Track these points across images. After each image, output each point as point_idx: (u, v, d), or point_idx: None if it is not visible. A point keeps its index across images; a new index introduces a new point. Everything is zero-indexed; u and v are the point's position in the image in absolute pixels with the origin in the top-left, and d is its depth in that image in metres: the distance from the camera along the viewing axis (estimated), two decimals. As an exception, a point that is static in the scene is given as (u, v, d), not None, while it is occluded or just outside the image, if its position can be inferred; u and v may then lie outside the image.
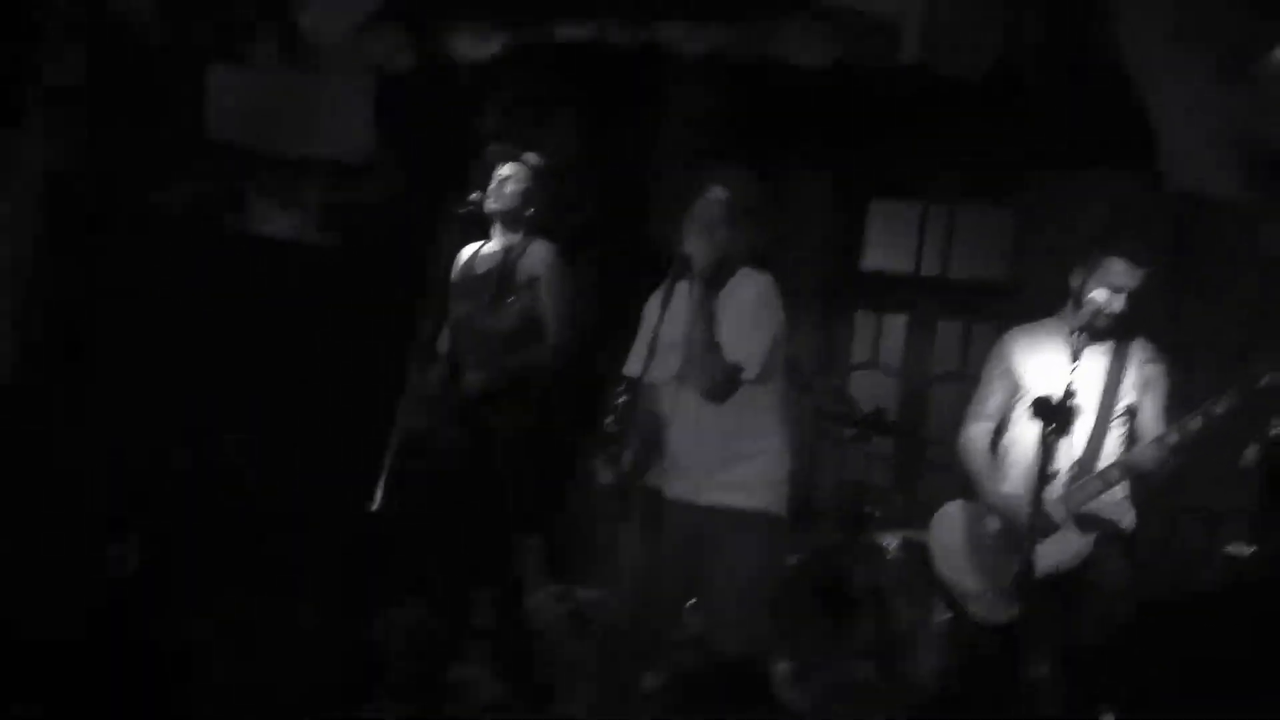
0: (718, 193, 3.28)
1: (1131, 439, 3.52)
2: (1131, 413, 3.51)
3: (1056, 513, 3.35)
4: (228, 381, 4.61)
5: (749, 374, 3.21)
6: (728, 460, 3.26)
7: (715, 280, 3.26)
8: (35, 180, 4.03)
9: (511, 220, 4.19)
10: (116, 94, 4.21)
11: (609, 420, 3.39)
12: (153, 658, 3.58)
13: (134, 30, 3.99)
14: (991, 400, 3.68)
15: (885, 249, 6.61)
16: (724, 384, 3.20)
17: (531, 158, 4.19)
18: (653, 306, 3.31)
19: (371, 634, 4.36)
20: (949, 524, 3.70)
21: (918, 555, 4.35)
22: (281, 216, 5.11)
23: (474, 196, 4.17)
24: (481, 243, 4.33)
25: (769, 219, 3.35)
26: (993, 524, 3.55)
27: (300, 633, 4.23)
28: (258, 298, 4.74)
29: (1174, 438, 3.23)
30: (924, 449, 5.55)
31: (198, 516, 4.29)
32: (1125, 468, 3.33)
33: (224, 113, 4.85)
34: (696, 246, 3.18)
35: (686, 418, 3.30)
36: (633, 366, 3.41)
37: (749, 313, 3.23)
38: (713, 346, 3.16)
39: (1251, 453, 4.31)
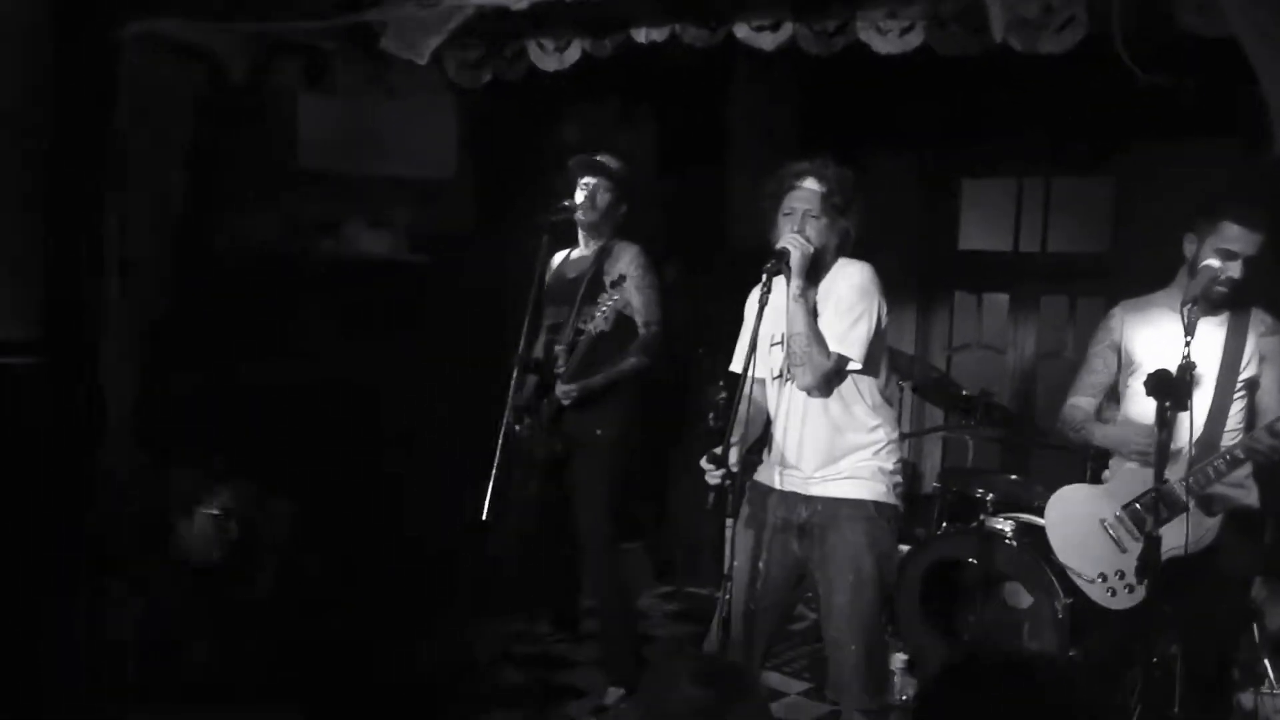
0: (808, 186, 3.26)
1: (1252, 413, 3.39)
2: (1252, 386, 3.38)
3: (1182, 494, 3.25)
4: (340, 401, 4.71)
5: (854, 364, 3.20)
6: (836, 452, 3.26)
7: (813, 273, 3.25)
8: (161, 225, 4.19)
9: (598, 226, 4.25)
10: (211, 129, 4.33)
11: (711, 417, 3.40)
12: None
13: (225, 67, 4.10)
14: (1095, 375, 3.58)
15: (982, 228, 6.51)
16: (829, 376, 3.20)
17: (613, 163, 4.23)
18: (751, 303, 3.31)
19: (481, 642, 4.43)
20: (1066, 508, 3.61)
21: (1034, 539, 4.27)
22: (374, 237, 5.21)
23: (565, 204, 4.22)
24: (570, 250, 4.38)
25: (861, 209, 3.30)
26: (1110, 509, 3.45)
27: (415, 640, 4.33)
28: (357, 317, 4.84)
29: None
30: (1034, 429, 5.44)
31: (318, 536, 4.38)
32: (1253, 447, 3.21)
33: (314, 141, 4.96)
34: (792, 240, 3.18)
35: (792, 412, 3.29)
36: (736, 363, 3.42)
37: (849, 303, 3.21)
38: (816, 339, 3.15)
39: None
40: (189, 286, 4.30)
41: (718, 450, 3.12)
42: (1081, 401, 3.57)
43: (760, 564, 3.33)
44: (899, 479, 3.32)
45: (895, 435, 3.34)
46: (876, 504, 3.25)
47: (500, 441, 3.93)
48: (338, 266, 5.11)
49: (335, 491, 4.35)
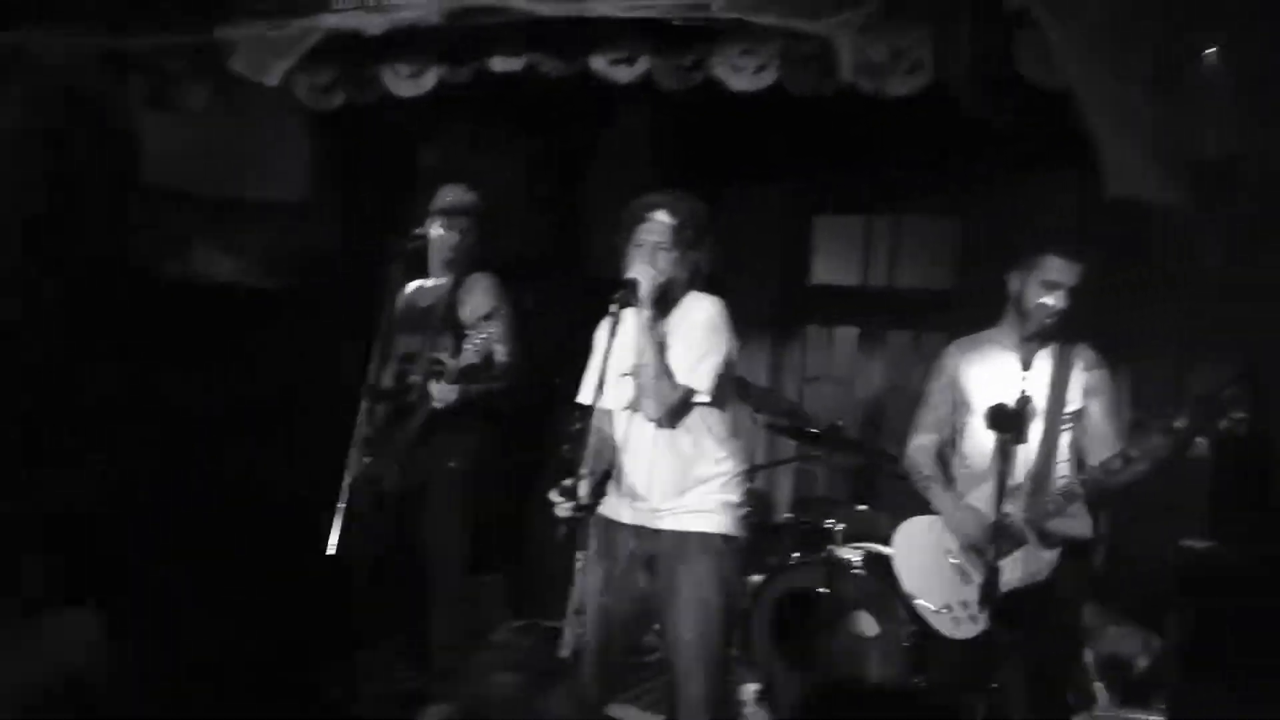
0: (661, 217, 3.27)
1: (1080, 444, 3.52)
2: (1078, 418, 3.52)
3: (1023, 529, 3.35)
4: (178, 428, 4.53)
5: (701, 397, 3.21)
6: (684, 485, 3.26)
7: (662, 305, 3.26)
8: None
9: (452, 255, 4.20)
10: (53, 143, 4.15)
11: (565, 448, 3.37)
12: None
13: (70, 80, 3.93)
14: (935, 412, 3.68)
15: (833, 263, 6.66)
16: (676, 408, 3.20)
17: (468, 196, 4.19)
18: (601, 334, 3.29)
19: (330, 680, 4.29)
20: (912, 540, 3.70)
21: (882, 568, 4.35)
22: (224, 261, 5.05)
23: (418, 232, 4.17)
24: (423, 277, 4.32)
25: (713, 242, 3.33)
26: (956, 540, 3.54)
27: (261, 681, 4.17)
28: (203, 343, 4.68)
29: (1137, 451, 3.25)
30: (882, 460, 5.56)
31: (150, 568, 4.20)
32: (1092, 484, 3.34)
33: (160, 160, 4.79)
34: (642, 271, 3.18)
35: (641, 444, 3.28)
36: (585, 394, 3.39)
37: (699, 336, 3.22)
38: (663, 371, 3.16)
39: (1203, 447, 4.36)
40: (32, 298, 4.09)
41: (568, 482, 3.10)
42: (924, 440, 3.67)
43: (605, 598, 3.31)
44: (745, 511, 3.35)
45: (742, 468, 3.36)
46: (724, 537, 3.26)
47: (348, 473, 3.83)
48: (185, 288, 4.93)
49: (177, 522, 4.19)
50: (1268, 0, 2.76)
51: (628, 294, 3.16)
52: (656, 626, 3.48)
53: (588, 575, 3.31)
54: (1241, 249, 2.88)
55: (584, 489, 3.18)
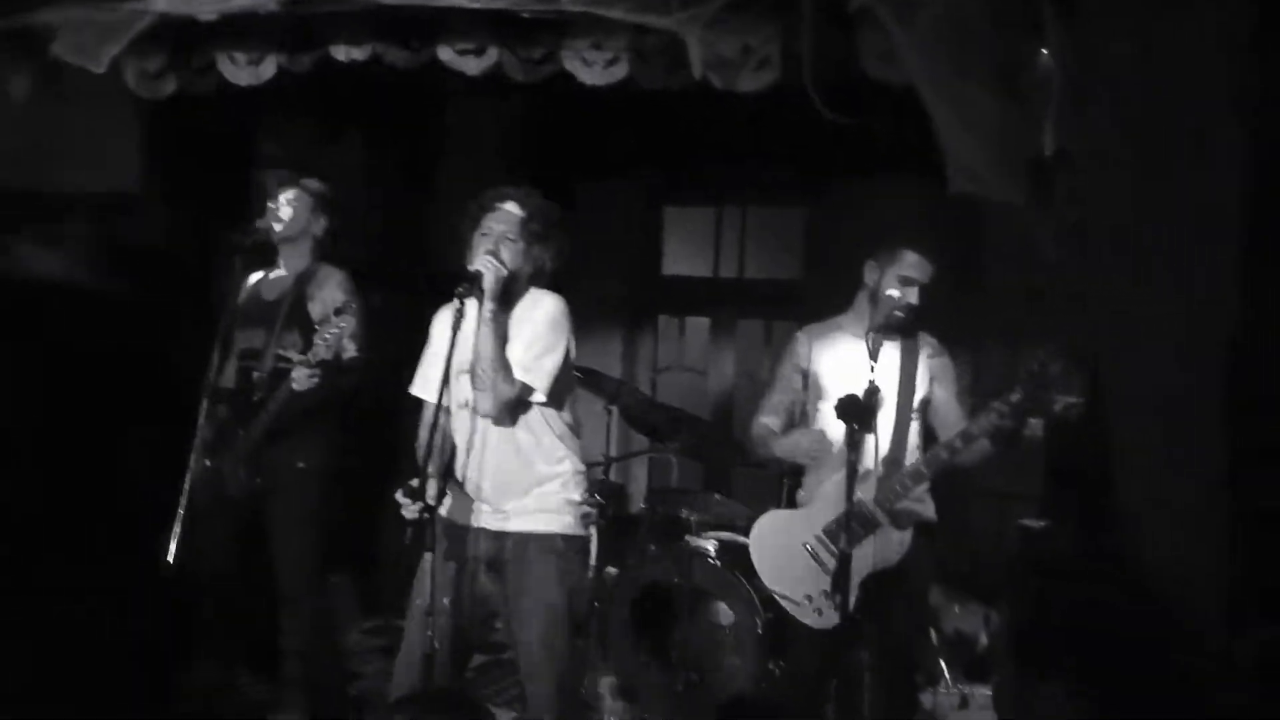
0: (508, 209, 3.23)
1: (928, 429, 3.64)
2: (925, 405, 3.63)
3: (875, 512, 3.43)
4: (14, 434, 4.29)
5: (538, 395, 3.17)
6: (524, 484, 3.23)
7: (505, 300, 3.21)
8: None
9: (296, 245, 4.07)
10: None
11: (416, 445, 3.30)
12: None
13: None
14: (782, 396, 3.74)
15: (684, 254, 6.72)
16: (512, 405, 3.15)
17: (312, 183, 4.06)
18: (442, 327, 3.22)
19: (177, 692, 4.14)
20: (769, 535, 3.74)
21: (736, 557, 4.41)
22: (47, 257, 4.79)
23: (258, 223, 4.02)
24: (266, 270, 4.17)
25: (559, 237, 3.29)
26: (810, 531, 3.59)
27: (101, 692, 3.99)
28: (24, 344, 4.43)
29: (977, 429, 3.35)
30: (734, 448, 5.63)
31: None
32: (936, 462, 3.44)
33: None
34: (484, 263, 3.12)
35: (482, 444, 3.24)
36: (421, 388, 3.34)
37: (540, 334, 3.18)
38: (502, 366, 3.10)
39: (1037, 427, 4.54)
40: None
41: (414, 483, 3.03)
42: (769, 420, 3.73)
43: (446, 600, 3.24)
44: (587, 509, 3.35)
45: (582, 466, 3.34)
46: (564, 536, 3.24)
47: (188, 478, 3.68)
48: (5, 285, 4.66)
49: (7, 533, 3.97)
50: (1089, 6, 2.88)
51: (471, 286, 3.08)
52: (499, 625, 3.44)
53: (435, 576, 3.23)
54: (1072, 245, 3.01)
55: (431, 489, 3.12)
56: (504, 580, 3.22)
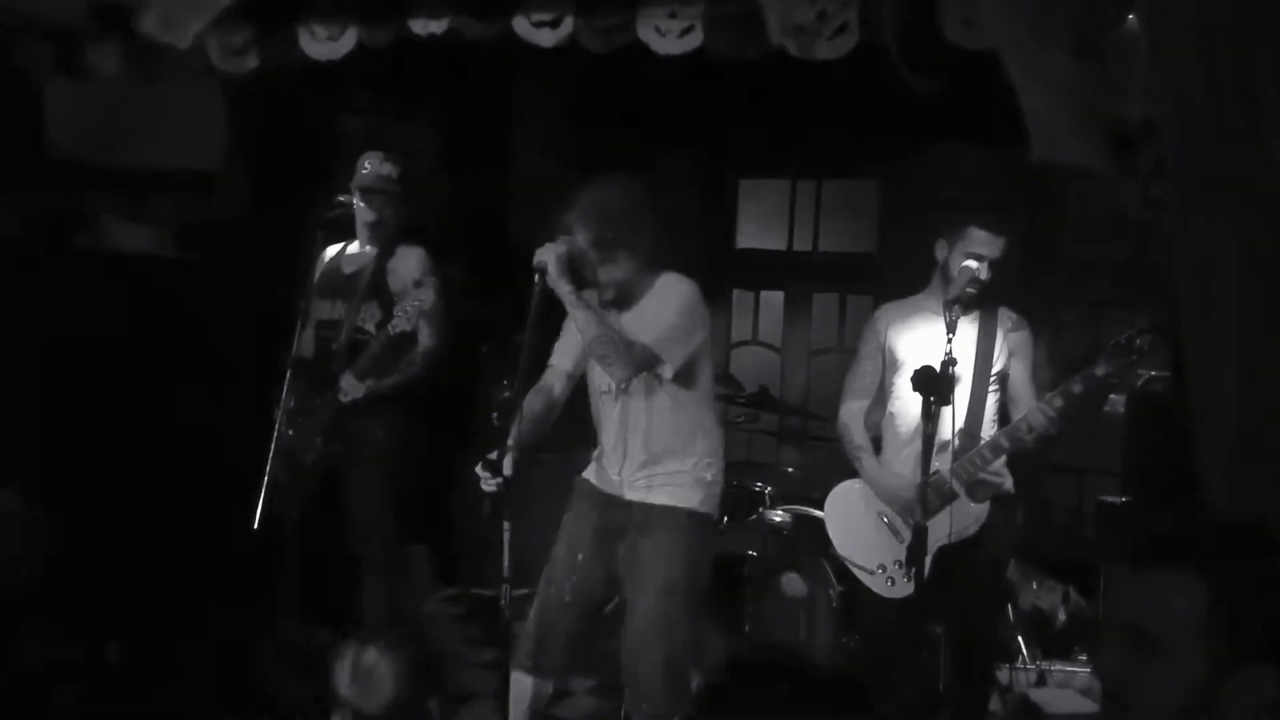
0: (601, 194, 3.21)
1: (1005, 404, 3.61)
2: (1003, 378, 3.60)
3: (952, 483, 3.42)
4: (95, 404, 4.41)
5: (665, 370, 3.18)
6: (657, 460, 3.26)
7: (633, 288, 3.24)
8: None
9: (377, 223, 4.12)
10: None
11: (495, 416, 3.33)
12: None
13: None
14: (864, 378, 3.72)
15: (758, 227, 6.69)
16: (639, 364, 3.15)
17: (392, 158, 4.10)
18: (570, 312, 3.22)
19: (260, 653, 4.24)
20: (844, 503, 3.75)
21: (810, 530, 4.40)
22: (136, 232, 4.91)
23: (340, 199, 4.08)
24: (346, 244, 4.23)
25: (656, 220, 3.27)
26: (885, 493, 3.60)
27: (193, 653, 4.12)
28: (117, 316, 4.55)
29: (1060, 402, 3.31)
30: (809, 423, 5.62)
31: (76, 545, 4.10)
32: (1016, 435, 3.40)
33: (66, 128, 4.63)
34: (542, 251, 3.12)
35: (619, 418, 3.29)
36: (561, 359, 3.40)
37: (669, 317, 3.19)
38: (613, 338, 3.11)
39: (1118, 402, 4.47)
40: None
41: (492, 455, 3.06)
42: (854, 404, 3.71)
43: (578, 559, 3.31)
44: (717, 490, 3.34)
45: (716, 447, 3.34)
46: (689, 512, 3.25)
47: (273, 447, 3.76)
48: (94, 262, 4.78)
49: (100, 502, 4.09)
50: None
51: (541, 277, 3.09)
52: (615, 601, 3.46)
53: (560, 536, 3.35)
54: (1156, 215, 2.93)
55: (508, 463, 3.14)
56: (627, 549, 3.27)
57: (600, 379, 3.33)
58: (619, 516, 3.31)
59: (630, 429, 3.28)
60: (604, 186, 3.24)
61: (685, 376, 3.25)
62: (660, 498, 3.26)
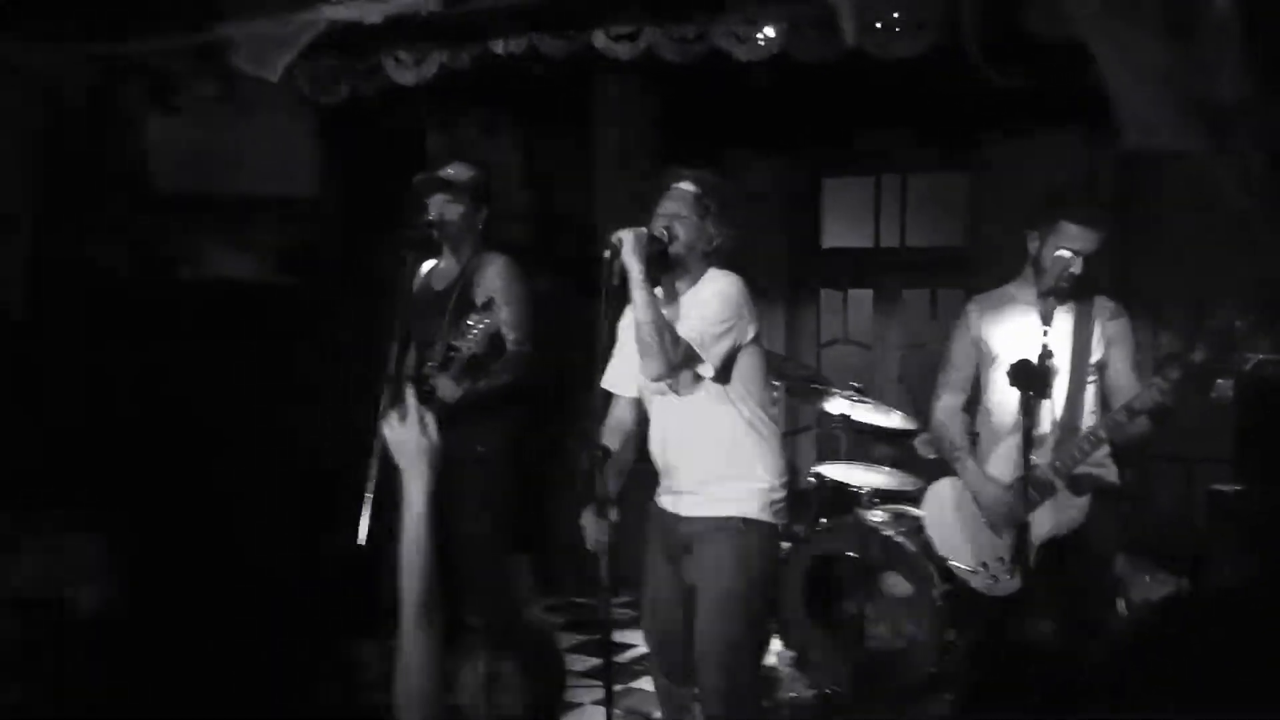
0: (683, 188, 3.23)
1: (1104, 394, 3.53)
2: (1101, 368, 3.52)
3: (1051, 477, 3.36)
4: (204, 426, 4.55)
5: (706, 369, 3.15)
6: (711, 470, 3.22)
7: (681, 278, 3.23)
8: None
9: (457, 239, 4.14)
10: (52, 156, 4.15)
11: (585, 459, 3.31)
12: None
13: (60, 90, 3.93)
14: (958, 371, 3.67)
15: (843, 225, 6.65)
16: (679, 366, 3.12)
17: (461, 174, 4.07)
18: (628, 316, 3.25)
19: (365, 664, 4.32)
20: (943, 500, 3.70)
21: (910, 529, 4.36)
22: (238, 259, 5.05)
23: (426, 218, 4.12)
24: (437, 261, 4.29)
25: (734, 216, 3.26)
26: (987, 498, 3.55)
27: (299, 669, 4.20)
28: (224, 340, 4.69)
29: (1155, 391, 3.23)
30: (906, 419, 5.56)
31: (180, 564, 4.22)
32: (1115, 425, 3.33)
33: (165, 159, 4.79)
34: (624, 231, 3.10)
35: (670, 430, 3.27)
36: (610, 382, 3.41)
37: (714, 311, 3.15)
38: (665, 327, 3.07)
39: (1225, 388, 4.35)
40: (38, 315, 4.10)
41: (587, 463, 3.08)
42: (949, 401, 3.66)
43: (659, 587, 3.33)
44: (778, 495, 3.26)
45: (774, 451, 3.28)
46: (746, 520, 3.19)
47: (374, 463, 3.83)
48: (198, 290, 4.94)
49: (208, 520, 4.20)
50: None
51: (613, 255, 3.07)
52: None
53: (644, 569, 3.36)
54: (1256, 194, 2.85)
55: (601, 470, 3.13)
56: (691, 565, 3.25)
57: (652, 385, 3.27)
58: (681, 533, 3.28)
59: (679, 432, 3.24)
60: (690, 178, 3.24)
61: (729, 374, 3.19)
62: (715, 509, 3.21)
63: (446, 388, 3.94)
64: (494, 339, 4.02)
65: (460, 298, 4.11)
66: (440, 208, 4.08)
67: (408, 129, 5.12)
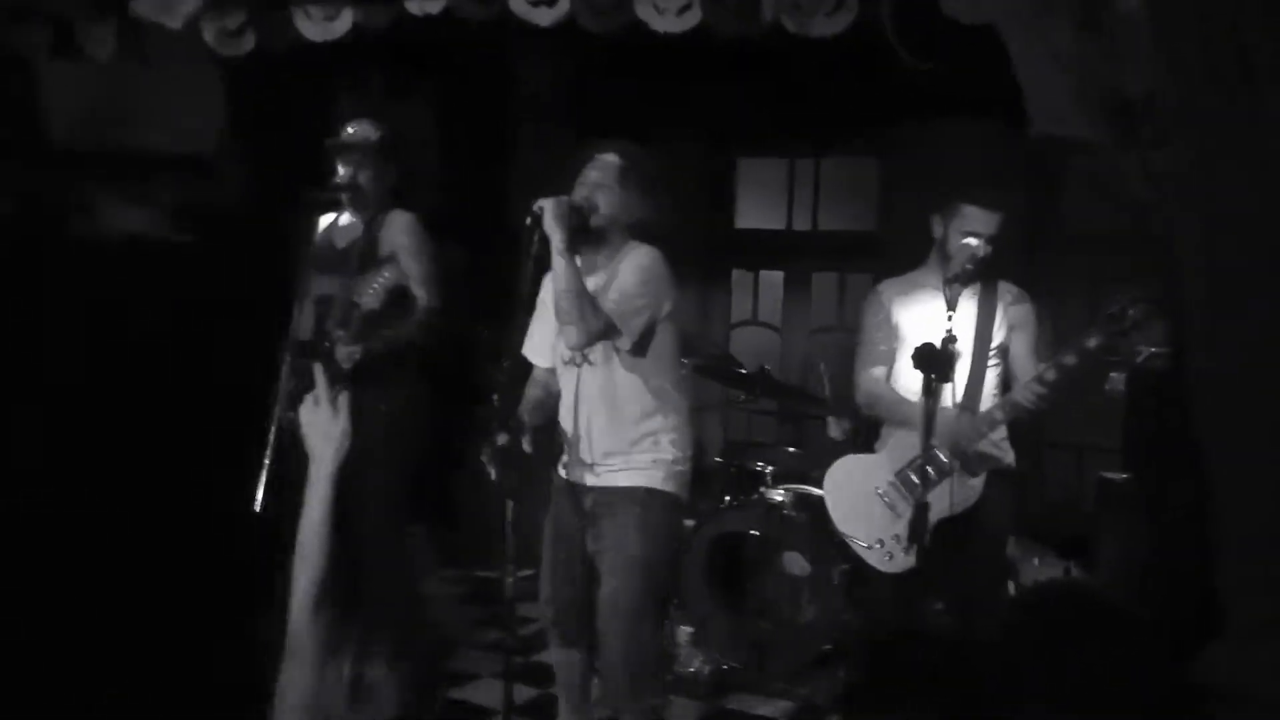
0: (607, 159, 3.22)
1: (1005, 378, 3.61)
2: (1003, 352, 3.60)
3: (949, 457, 3.42)
4: (89, 389, 4.40)
5: (624, 342, 3.16)
6: (618, 441, 3.23)
7: (603, 251, 3.22)
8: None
9: (368, 196, 4.06)
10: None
11: (494, 398, 3.31)
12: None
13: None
14: (880, 346, 3.72)
15: (757, 207, 6.67)
16: (598, 335, 3.12)
17: (371, 134, 4.02)
18: (546, 286, 3.23)
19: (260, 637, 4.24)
20: (843, 477, 3.75)
21: (812, 508, 4.41)
22: (133, 214, 4.89)
23: (336, 181, 4.04)
24: (337, 215, 4.19)
25: (659, 190, 3.26)
26: (884, 476, 3.60)
27: (192, 640, 4.11)
28: (112, 299, 4.54)
29: (1052, 374, 3.31)
30: (808, 402, 5.62)
31: (59, 531, 4.09)
32: (1011, 407, 3.41)
33: (62, 111, 4.61)
34: (547, 200, 3.09)
35: (576, 399, 3.26)
36: (530, 350, 3.40)
37: (633, 284, 3.15)
38: (585, 297, 3.07)
39: (1118, 380, 4.47)
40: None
41: (500, 441, 3.04)
42: (875, 371, 3.71)
43: (560, 556, 3.33)
44: (682, 468, 3.29)
45: (681, 425, 3.30)
46: (649, 490, 3.21)
47: (273, 427, 3.74)
48: (90, 248, 4.77)
49: (95, 493, 4.07)
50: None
51: (535, 221, 3.05)
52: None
53: (544, 537, 3.36)
54: (1158, 190, 2.92)
55: (504, 439, 3.10)
56: (594, 535, 3.25)
57: (563, 350, 3.27)
58: (585, 504, 3.29)
59: (589, 402, 3.24)
60: (615, 150, 3.23)
61: (645, 347, 3.20)
62: (620, 479, 3.22)
63: (343, 352, 3.87)
64: (398, 294, 3.95)
65: (365, 254, 4.03)
66: (351, 169, 4.00)
67: (315, 86, 4.99)
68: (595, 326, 3.08)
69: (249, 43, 3.75)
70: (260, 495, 3.69)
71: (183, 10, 3.54)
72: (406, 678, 3.46)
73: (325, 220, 4.17)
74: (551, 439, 3.40)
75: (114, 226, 4.91)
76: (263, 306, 4.23)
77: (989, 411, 3.47)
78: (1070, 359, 3.27)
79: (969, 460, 3.45)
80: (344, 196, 4.03)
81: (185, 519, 4.37)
